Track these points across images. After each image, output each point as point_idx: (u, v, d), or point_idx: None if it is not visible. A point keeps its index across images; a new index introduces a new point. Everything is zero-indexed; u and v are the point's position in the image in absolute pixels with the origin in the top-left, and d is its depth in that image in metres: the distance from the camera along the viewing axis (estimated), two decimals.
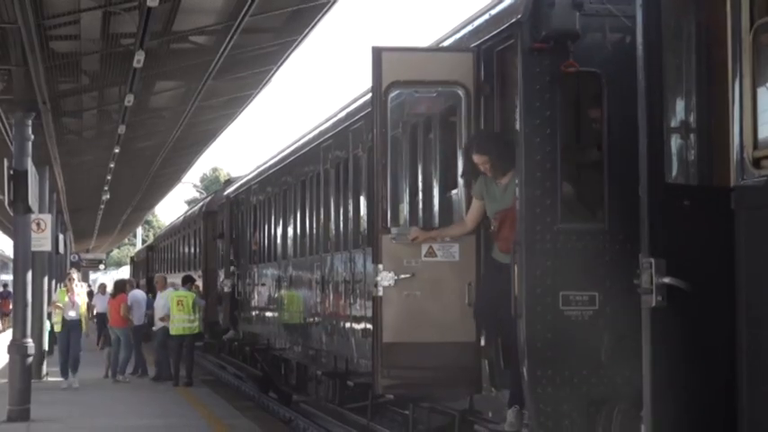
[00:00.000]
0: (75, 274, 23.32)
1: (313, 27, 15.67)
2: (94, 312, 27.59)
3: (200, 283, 27.23)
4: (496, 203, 8.86)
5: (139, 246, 76.92)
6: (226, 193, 26.46)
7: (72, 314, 21.66)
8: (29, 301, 17.47)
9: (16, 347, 16.92)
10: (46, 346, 24.67)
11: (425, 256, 9.10)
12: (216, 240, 27.02)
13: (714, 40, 6.19)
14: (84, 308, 22.17)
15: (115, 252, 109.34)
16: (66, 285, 22.50)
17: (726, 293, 5.72)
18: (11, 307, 31.70)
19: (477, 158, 8.85)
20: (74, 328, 21.70)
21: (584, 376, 8.15)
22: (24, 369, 16.84)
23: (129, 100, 16.90)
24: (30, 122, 17.20)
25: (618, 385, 8.05)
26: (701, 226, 5.90)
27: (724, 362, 5.72)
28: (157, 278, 26.53)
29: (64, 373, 21.74)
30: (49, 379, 22.88)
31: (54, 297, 24.19)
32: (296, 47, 16.92)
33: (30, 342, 17.13)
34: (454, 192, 9.76)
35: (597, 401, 8.15)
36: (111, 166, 26.20)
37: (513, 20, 8.50)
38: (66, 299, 21.67)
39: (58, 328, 23.30)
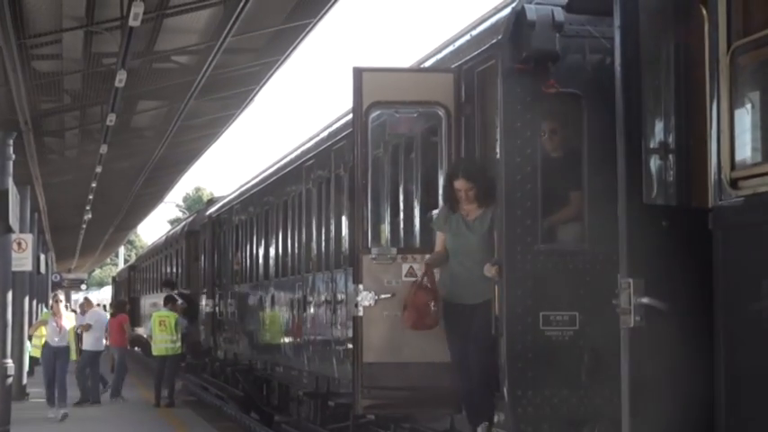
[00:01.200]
0: (62, 296, 21.63)
1: (295, 47, 15.71)
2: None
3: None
4: (460, 238, 8.74)
5: (121, 266, 76.70)
6: (208, 212, 26.42)
7: (57, 340, 20.00)
8: (9, 321, 17.42)
9: None
10: (26, 368, 24.38)
11: (406, 276, 9.10)
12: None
13: (692, 62, 6.23)
14: (72, 334, 20.46)
15: (97, 272, 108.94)
16: (51, 308, 20.65)
17: (704, 313, 5.74)
18: None
19: (461, 184, 8.68)
20: (60, 355, 20.03)
21: (565, 396, 8.16)
22: (5, 390, 16.78)
23: (111, 119, 16.89)
24: (11, 142, 17.22)
25: (598, 405, 8.06)
26: (679, 246, 5.92)
27: (702, 380, 5.73)
28: (84, 300, 25.37)
29: (51, 401, 20.11)
30: (32, 400, 22.72)
31: (37, 320, 22.86)
32: (278, 67, 16.95)
33: (10, 363, 17.08)
34: (435, 212, 9.76)
35: (577, 421, 8.16)
36: (93, 185, 26.14)
37: (494, 41, 8.54)
38: (53, 323, 20.05)
39: (35, 353, 21.82)
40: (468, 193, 8.67)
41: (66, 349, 20.24)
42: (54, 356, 19.99)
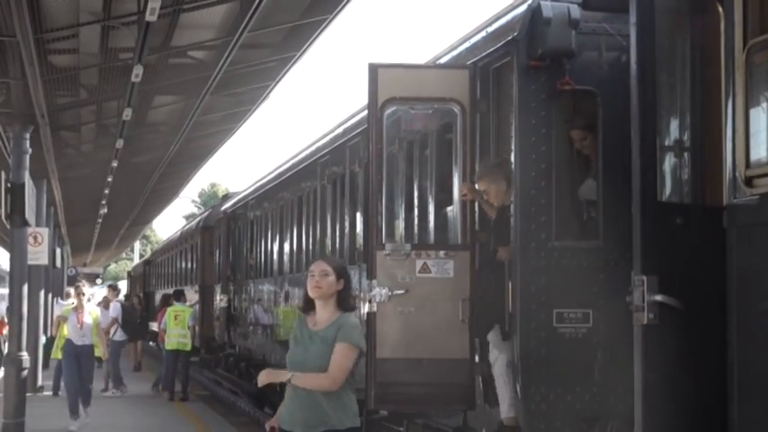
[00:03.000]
0: (86, 288, 18.11)
1: (311, 43, 15.71)
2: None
3: (195, 297, 27.26)
4: (302, 351, 6.82)
5: (137, 260, 76.91)
6: (223, 208, 26.50)
7: (81, 338, 17.27)
8: (25, 314, 17.46)
9: (11, 361, 16.93)
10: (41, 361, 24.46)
11: (420, 272, 9.11)
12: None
13: (708, 60, 6.22)
14: (96, 331, 17.59)
15: (113, 266, 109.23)
16: (73, 302, 17.74)
17: (717, 311, 5.74)
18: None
19: (318, 266, 6.81)
20: (84, 355, 17.34)
21: (578, 393, 8.17)
22: (19, 382, 16.83)
23: (128, 114, 16.94)
24: (28, 136, 17.25)
25: (611, 402, 8.06)
26: (693, 244, 5.92)
27: (715, 378, 5.73)
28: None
29: (73, 413, 17.23)
30: (46, 393, 22.81)
31: (57, 314, 19.26)
32: (294, 63, 16.96)
33: (25, 355, 17.12)
34: (449, 208, 9.78)
35: (590, 418, 8.17)
36: (109, 180, 26.21)
37: (510, 37, 8.55)
38: (75, 319, 17.25)
39: (56, 354, 18.93)
40: (323, 279, 6.72)
41: (91, 348, 17.54)
42: (77, 357, 17.30)
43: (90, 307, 17.86)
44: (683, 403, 5.88)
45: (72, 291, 17.28)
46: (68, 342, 17.56)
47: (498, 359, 8.62)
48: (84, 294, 17.47)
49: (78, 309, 17.35)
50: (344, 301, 6.82)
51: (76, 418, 17.20)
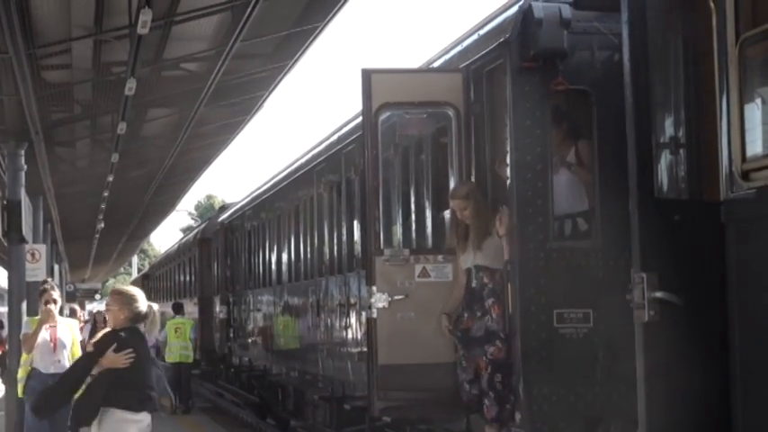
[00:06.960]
0: (55, 293, 11.96)
1: (303, 52, 15.73)
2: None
3: (195, 310, 27.23)
4: None
5: (135, 275, 76.85)
6: (220, 219, 26.48)
7: (54, 365, 11.54)
8: (23, 331, 17.40)
9: (11, 380, 16.90)
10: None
11: (419, 276, 9.09)
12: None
13: (701, 55, 6.22)
14: (76, 352, 11.59)
15: (111, 281, 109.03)
16: (41, 313, 11.86)
17: (718, 306, 5.72)
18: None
19: None
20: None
21: (580, 394, 8.15)
22: (20, 400, 16.76)
23: (122, 128, 16.94)
24: (22, 152, 17.26)
25: (614, 402, 8.04)
26: (691, 240, 5.91)
27: (718, 375, 5.71)
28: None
29: None
30: None
31: (24, 331, 12.29)
32: (287, 72, 16.98)
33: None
34: (446, 212, 9.76)
35: (593, 419, 8.14)
36: (105, 195, 26.20)
37: (502, 39, 8.53)
38: (47, 337, 11.67)
39: (20, 392, 12.46)
40: None
41: None
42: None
43: (67, 320, 12.47)
44: (685, 400, 5.87)
45: (53, 302, 11.89)
46: (35, 374, 11.70)
47: None
48: (56, 302, 11.85)
49: (48, 321, 11.70)
50: None
51: None
